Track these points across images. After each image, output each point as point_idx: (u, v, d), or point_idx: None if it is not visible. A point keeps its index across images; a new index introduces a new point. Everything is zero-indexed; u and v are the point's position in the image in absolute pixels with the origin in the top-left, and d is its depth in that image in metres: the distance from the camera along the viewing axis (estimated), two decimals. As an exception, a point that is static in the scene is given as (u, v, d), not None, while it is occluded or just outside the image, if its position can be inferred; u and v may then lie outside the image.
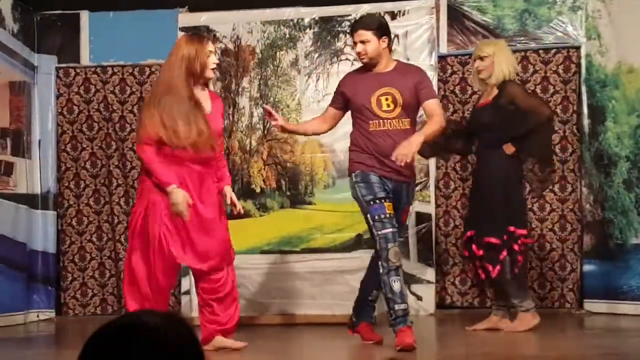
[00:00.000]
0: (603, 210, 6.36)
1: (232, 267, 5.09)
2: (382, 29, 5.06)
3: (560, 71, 6.58)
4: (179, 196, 4.78)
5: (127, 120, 7.09)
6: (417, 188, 6.57)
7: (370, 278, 5.18)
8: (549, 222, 6.59)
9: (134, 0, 7.06)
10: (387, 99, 5.04)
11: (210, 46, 4.97)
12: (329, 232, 6.66)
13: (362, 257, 6.20)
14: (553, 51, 6.60)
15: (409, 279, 6.55)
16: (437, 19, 6.68)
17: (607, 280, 6.30)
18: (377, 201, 4.94)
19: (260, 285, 6.37)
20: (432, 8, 6.67)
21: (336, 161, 6.74)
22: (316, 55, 6.82)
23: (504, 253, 5.48)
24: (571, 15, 6.57)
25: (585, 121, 6.49)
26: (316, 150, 6.79)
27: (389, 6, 6.69)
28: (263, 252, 6.59)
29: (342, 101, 5.20)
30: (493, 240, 5.50)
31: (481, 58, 5.62)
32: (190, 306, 6.42)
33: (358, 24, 5.14)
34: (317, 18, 6.84)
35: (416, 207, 6.61)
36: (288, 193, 6.82)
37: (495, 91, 5.57)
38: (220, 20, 6.73)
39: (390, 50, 5.17)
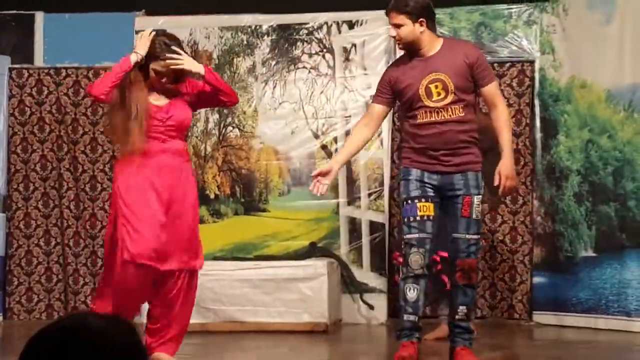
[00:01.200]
0: (554, 222, 6.44)
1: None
2: (417, 11, 4.56)
3: (515, 84, 6.67)
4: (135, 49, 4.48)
5: (80, 123, 7.01)
6: (372, 197, 6.60)
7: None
8: (500, 233, 6.65)
9: (91, 2, 7.00)
10: (436, 87, 4.56)
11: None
12: (283, 240, 6.66)
13: (316, 265, 6.22)
14: (508, 65, 6.68)
15: (362, 288, 6.57)
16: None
17: (557, 292, 6.37)
18: (409, 201, 4.59)
19: (212, 291, 6.32)
20: (390, 19, 6.70)
21: (292, 168, 6.74)
22: (273, 62, 6.82)
23: None
24: (526, 30, 6.66)
25: (538, 134, 6.58)
26: (271, 157, 6.79)
27: (347, 16, 6.72)
28: (216, 258, 6.55)
29: (391, 93, 4.68)
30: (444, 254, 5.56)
31: None
32: (141, 312, 6.33)
33: (391, 6, 4.63)
34: (275, 25, 6.85)
35: (370, 216, 6.64)
36: (242, 200, 6.80)
37: None
38: (177, 25, 6.69)
39: (435, 30, 4.68)
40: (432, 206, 4.59)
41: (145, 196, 4.45)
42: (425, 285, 4.64)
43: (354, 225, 6.67)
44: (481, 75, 4.61)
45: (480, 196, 4.64)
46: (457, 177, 4.59)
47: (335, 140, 6.75)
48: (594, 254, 6.22)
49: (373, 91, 6.54)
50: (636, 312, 5.85)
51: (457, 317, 4.66)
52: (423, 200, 4.57)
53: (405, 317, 4.60)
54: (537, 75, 6.61)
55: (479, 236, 4.71)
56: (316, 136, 6.78)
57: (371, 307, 6.59)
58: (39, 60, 7.06)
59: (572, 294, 6.28)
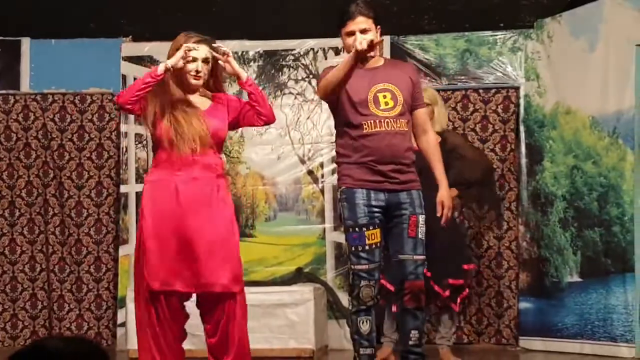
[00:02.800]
0: (539, 248, 6.46)
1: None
2: (378, 18, 4.50)
3: (500, 110, 6.70)
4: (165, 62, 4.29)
5: (66, 149, 7.00)
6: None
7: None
8: (485, 259, 6.66)
9: (77, 29, 7.01)
10: (385, 96, 4.45)
11: (199, 52, 4.37)
12: (269, 265, 6.66)
13: (302, 291, 6.21)
14: (493, 91, 6.72)
15: (348, 313, 6.55)
16: (380, 56, 6.73)
17: (543, 318, 6.38)
18: (357, 229, 4.41)
19: (198, 317, 6.28)
20: (376, 45, 6.74)
21: (278, 194, 6.75)
22: (260, 88, 6.82)
23: None
24: (511, 56, 6.71)
25: (523, 160, 6.61)
26: (258, 182, 6.80)
27: (333, 42, 6.75)
28: (202, 284, 6.52)
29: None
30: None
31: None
32: (126, 339, 6.31)
33: (358, 10, 4.48)
34: (261, 52, 6.88)
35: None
36: (229, 225, 6.79)
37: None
38: (164, 51, 6.56)
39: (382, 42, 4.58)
40: (379, 232, 4.44)
41: (165, 219, 4.25)
42: (375, 314, 4.52)
43: (340, 251, 6.67)
44: (418, 96, 4.58)
45: (424, 216, 4.51)
46: (403, 196, 4.46)
47: (322, 165, 6.77)
48: (579, 279, 6.23)
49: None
50: (622, 337, 5.86)
51: (410, 342, 4.51)
52: (371, 227, 4.41)
53: (362, 350, 4.47)
54: (522, 102, 6.65)
55: (425, 257, 4.53)
56: (302, 161, 6.80)
57: (357, 333, 6.57)
58: (25, 86, 7.05)
59: (558, 319, 6.29)
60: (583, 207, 6.20)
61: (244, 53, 6.87)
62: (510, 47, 6.70)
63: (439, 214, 4.55)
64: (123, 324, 6.51)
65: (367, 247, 4.40)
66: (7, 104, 7.04)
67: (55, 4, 7.03)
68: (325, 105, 6.76)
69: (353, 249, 4.43)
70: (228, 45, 6.78)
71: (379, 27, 4.53)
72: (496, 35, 6.73)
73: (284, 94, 6.84)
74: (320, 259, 6.70)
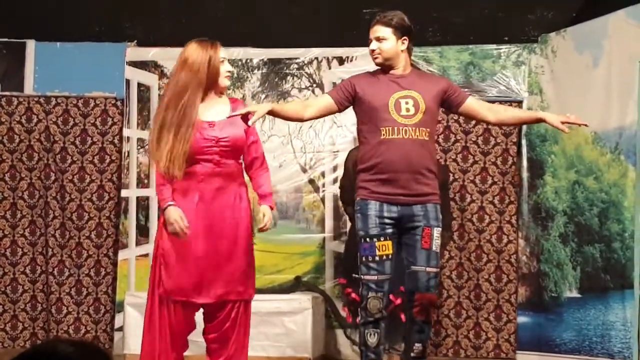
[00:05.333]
0: (539, 262, 6.45)
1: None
2: (403, 29, 4.53)
3: (502, 124, 6.69)
4: (172, 215, 4.24)
5: (69, 152, 7.01)
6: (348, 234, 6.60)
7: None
8: (485, 272, 6.65)
9: (82, 32, 7.03)
10: (407, 102, 4.46)
11: (223, 52, 4.47)
12: (268, 273, 6.65)
13: (301, 299, 6.21)
14: (496, 104, 6.70)
15: (346, 323, 6.55)
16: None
17: (541, 333, 6.37)
18: (368, 239, 4.43)
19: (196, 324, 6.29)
20: (380, 56, 6.75)
21: (278, 202, 6.74)
22: (263, 96, 6.85)
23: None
24: (514, 70, 6.71)
25: (525, 174, 6.61)
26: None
27: (338, 52, 6.77)
28: (200, 290, 6.52)
29: (348, 95, 4.55)
30: None
31: None
32: (123, 343, 6.32)
33: (377, 19, 4.59)
34: (265, 59, 6.89)
35: (356, 251, 6.64)
36: (228, 232, 6.79)
37: None
38: (168, 56, 6.72)
39: (411, 55, 4.65)
40: (391, 244, 4.45)
41: (190, 229, 4.26)
42: (385, 327, 4.53)
43: (339, 260, 6.67)
44: (458, 92, 4.64)
45: (440, 229, 4.51)
46: (417, 208, 4.46)
47: (323, 174, 6.77)
48: (578, 295, 6.22)
49: (361, 127, 6.60)
50: (619, 354, 5.84)
51: (412, 354, 4.52)
52: (382, 238, 4.42)
53: None
54: (524, 116, 6.65)
55: (438, 270, 4.55)
56: (304, 170, 6.80)
57: (355, 343, 6.56)
58: (29, 88, 7.06)
59: (556, 334, 6.28)
60: (583, 222, 6.19)
61: (248, 61, 6.87)
62: (514, 61, 6.70)
63: (568, 131, 4.58)
64: (121, 328, 6.52)
65: (377, 258, 4.41)
66: (10, 106, 7.06)
67: (60, 7, 7.05)
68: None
69: (363, 259, 4.44)
70: (232, 53, 6.84)
71: (404, 37, 4.57)
72: (500, 48, 6.73)
73: (287, 102, 6.84)
74: (319, 268, 6.69)
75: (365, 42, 6.78)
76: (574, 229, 6.25)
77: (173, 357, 4.41)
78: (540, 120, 4.74)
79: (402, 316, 5.42)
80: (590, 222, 6.14)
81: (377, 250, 4.41)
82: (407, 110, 4.43)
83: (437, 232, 4.46)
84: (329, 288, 6.68)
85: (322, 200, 6.75)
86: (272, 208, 4.53)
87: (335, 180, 6.61)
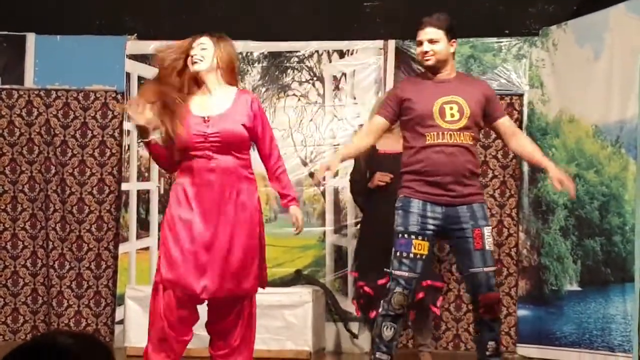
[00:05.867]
0: (539, 256, 6.45)
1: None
2: (452, 31, 4.57)
3: (503, 117, 6.68)
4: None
5: (69, 145, 7.01)
6: (358, 226, 6.60)
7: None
8: (486, 265, 6.64)
9: (82, 25, 7.02)
10: (451, 108, 4.47)
11: (204, 39, 4.38)
12: (269, 267, 6.59)
13: (301, 293, 6.21)
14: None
15: (346, 317, 6.56)
16: (385, 60, 6.75)
17: (541, 326, 6.37)
18: (406, 235, 4.45)
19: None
20: (380, 49, 6.75)
21: (278, 196, 6.73)
22: (263, 89, 6.85)
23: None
24: (515, 63, 6.70)
25: (525, 167, 6.60)
26: (259, 183, 6.74)
27: (338, 45, 6.76)
28: (201, 283, 6.52)
29: (396, 108, 4.58)
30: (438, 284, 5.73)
31: None
32: (124, 336, 6.32)
33: (428, 21, 4.58)
34: (266, 53, 6.88)
35: (356, 245, 6.63)
36: (229, 226, 6.78)
37: None
38: (168, 50, 6.71)
39: (454, 58, 4.67)
40: (427, 245, 4.48)
41: (186, 223, 4.24)
42: (401, 324, 4.57)
43: (339, 254, 6.67)
44: (496, 107, 4.65)
45: (490, 227, 4.56)
46: (463, 209, 4.49)
47: (324, 168, 6.75)
48: (579, 288, 6.22)
49: (362, 120, 6.60)
50: (619, 347, 5.84)
51: (487, 353, 4.55)
52: (420, 237, 4.45)
53: (378, 354, 4.51)
54: (525, 109, 6.64)
55: (496, 268, 4.60)
56: (304, 163, 6.80)
57: (355, 336, 6.57)
58: (29, 82, 7.06)
59: (556, 328, 6.28)
60: (584, 215, 6.18)
61: (249, 54, 6.87)
62: (515, 54, 6.69)
63: (559, 189, 4.52)
64: (121, 321, 6.52)
65: (411, 255, 4.43)
66: (10, 99, 7.06)
67: (60, 0, 7.05)
68: (328, 108, 6.80)
69: (397, 254, 4.46)
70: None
71: (453, 40, 4.59)
72: (501, 42, 6.72)
73: (288, 95, 6.84)
74: (320, 261, 6.69)
75: (365, 35, 6.81)
76: (575, 222, 6.24)
77: (175, 346, 4.38)
78: (544, 168, 4.73)
79: (432, 308, 5.69)
80: (591, 215, 6.14)
81: (413, 248, 4.43)
82: (452, 115, 4.47)
83: (487, 230, 4.51)
84: (330, 281, 6.68)
85: (323, 193, 6.75)
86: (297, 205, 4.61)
87: (335, 174, 6.60)
